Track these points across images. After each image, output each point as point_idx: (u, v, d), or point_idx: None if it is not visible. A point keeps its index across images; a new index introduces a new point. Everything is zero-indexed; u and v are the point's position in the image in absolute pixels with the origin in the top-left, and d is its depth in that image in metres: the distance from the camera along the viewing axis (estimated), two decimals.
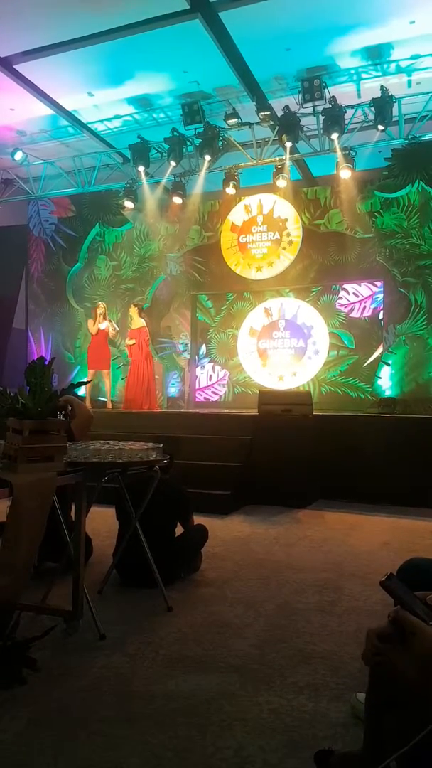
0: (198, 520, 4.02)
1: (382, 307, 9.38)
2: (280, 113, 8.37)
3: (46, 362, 2.70)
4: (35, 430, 2.57)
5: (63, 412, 3.27)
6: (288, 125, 8.33)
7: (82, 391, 9.16)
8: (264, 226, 9.91)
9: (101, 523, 4.33)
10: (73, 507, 3.06)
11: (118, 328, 9.91)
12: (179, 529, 3.83)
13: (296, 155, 9.13)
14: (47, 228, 11.57)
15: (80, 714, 2.16)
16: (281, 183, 9.12)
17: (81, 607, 2.87)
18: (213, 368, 10.70)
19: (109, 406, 9.49)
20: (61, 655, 2.65)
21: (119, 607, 3.27)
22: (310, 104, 8.19)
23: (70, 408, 3.44)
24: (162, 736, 2.02)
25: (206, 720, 2.13)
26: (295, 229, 9.68)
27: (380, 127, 8.02)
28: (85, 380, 8.99)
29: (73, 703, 2.24)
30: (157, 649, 2.72)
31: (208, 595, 3.49)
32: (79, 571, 2.89)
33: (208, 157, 8.96)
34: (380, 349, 9.27)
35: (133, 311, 9.59)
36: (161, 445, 3.27)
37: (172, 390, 10.57)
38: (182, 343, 10.56)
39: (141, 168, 9.43)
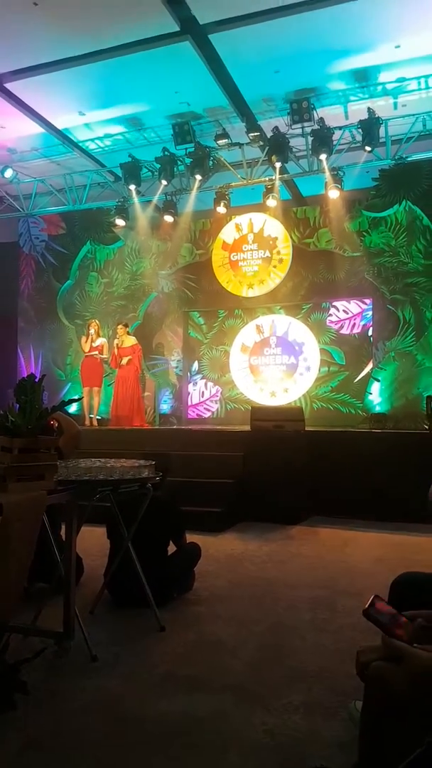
0: (191, 537, 3.99)
1: (371, 323, 9.46)
2: (269, 134, 8.50)
3: (36, 380, 2.70)
4: (25, 448, 2.55)
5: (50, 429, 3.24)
6: (277, 146, 8.45)
7: (73, 408, 9.10)
8: (254, 244, 10.01)
9: (92, 542, 4.28)
10: (64, 526, 3.03)
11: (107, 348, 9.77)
12: (171, 548, 3.80)
13: (286, 175, 9.26)
14: (38, 245, 11.60)
15: (73, 737, 2.13)
16: (271, 202, 9.23)
17: (72, 628, 2.83)
18: (205, 385, 10.71)
19: (94, 423, 9.37)
20: (53, 678, 2.61)
21: (111, 628, 3.23)
22: (299, 125, 8.32)
23: (57, 425, 3.42)
24: (155, 758, 1.99)
25: (200, 740, 2.10)
26: (284, 248, 9.78)
27: (367, 148, 8.16)
28: (76, 398, 8.87)
29: (66, 726, 2.20)
30: (149, 669, 2.68)
31: (200, 614, 3.45)
32: (70, 592, 2.85)
33: (198, 177, 9.06)
34: (370, 366, 9.33)
35: (122, 331, 9.52)
36: (153, 463, 3.25)
37: (165, 407, 10.54)
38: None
39: (132, 187, 9.50)
